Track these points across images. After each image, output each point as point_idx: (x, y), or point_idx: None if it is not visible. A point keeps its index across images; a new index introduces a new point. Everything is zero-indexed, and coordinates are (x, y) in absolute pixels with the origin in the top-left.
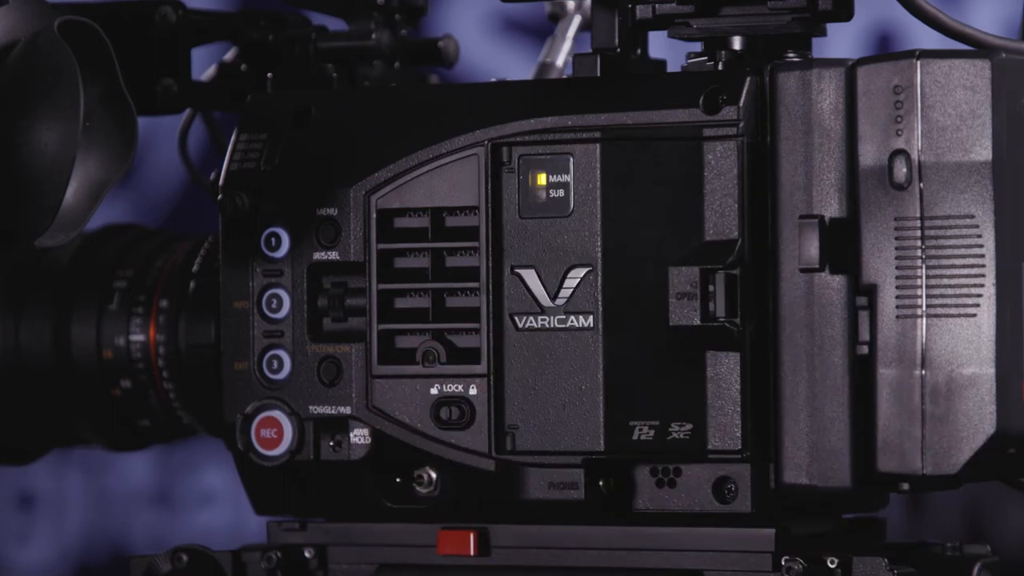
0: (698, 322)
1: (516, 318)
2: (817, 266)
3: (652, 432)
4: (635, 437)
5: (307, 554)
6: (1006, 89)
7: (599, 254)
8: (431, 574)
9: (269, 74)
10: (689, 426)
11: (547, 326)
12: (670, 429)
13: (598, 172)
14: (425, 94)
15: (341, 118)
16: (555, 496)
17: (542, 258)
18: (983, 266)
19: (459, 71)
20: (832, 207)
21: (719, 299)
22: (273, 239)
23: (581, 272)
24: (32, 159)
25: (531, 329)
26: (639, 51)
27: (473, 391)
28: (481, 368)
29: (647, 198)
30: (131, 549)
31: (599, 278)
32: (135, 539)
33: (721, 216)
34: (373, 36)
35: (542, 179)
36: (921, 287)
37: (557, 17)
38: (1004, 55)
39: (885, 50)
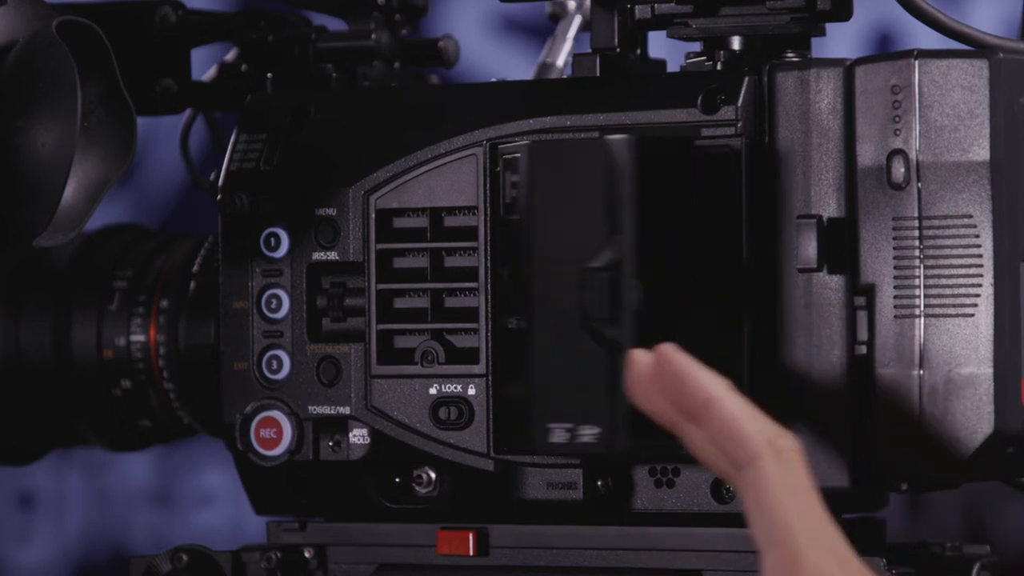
0: None
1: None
2: (815, 266)
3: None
4: None
5: (307, 554)
6: (1004, 89)
7: None
8: (430, 574)
9: (269, 74)
10: None
11: None
12: None
13: None
14: (424, 94)
15: (340, 118)
16: (554, 496)
17: None
18: (981, 266)
19: (459, 71)
20: (830, 207)
21: None
22: (272, 239)
23: None
24: (30, 159)
25: None
26: (638, 51)
27: (472, 391)
28: (480, 368)
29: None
30: (131, 549)
31: None
32: (135, 539)
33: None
34: (373, 36)
35: None
36: (919, 287)
37: (557, 17)
38: (1002, 55)
39: (884, 50)
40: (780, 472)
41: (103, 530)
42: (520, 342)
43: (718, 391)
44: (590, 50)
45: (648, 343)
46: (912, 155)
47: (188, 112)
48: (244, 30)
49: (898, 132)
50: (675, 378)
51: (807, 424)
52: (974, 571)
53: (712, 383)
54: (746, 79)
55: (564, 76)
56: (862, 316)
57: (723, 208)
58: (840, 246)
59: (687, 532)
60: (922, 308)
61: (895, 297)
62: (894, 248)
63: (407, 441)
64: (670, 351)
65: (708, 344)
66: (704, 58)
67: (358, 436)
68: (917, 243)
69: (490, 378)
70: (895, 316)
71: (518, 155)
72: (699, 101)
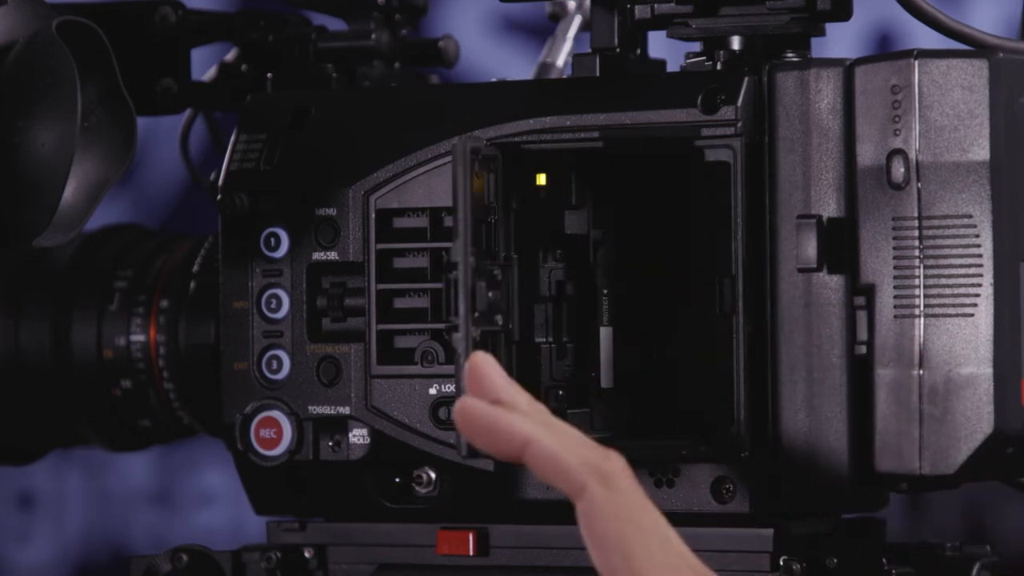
0: None
1: None
2: (815, 266)
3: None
4: None
5: (307, 554)
6: (1004, 89)
7: None
8: (430, 574)
9: (269, 74)
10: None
11: None
12: None
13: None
14: (425, 94)
15: (340, 118)
16: (554, 496)
17: None
18: (981, 266)
19: (459, 71)
20: (830, 207)
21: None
22: (272, 239)
23: None
24: (30, 159)
25: None
26: (638, 51)
27: None
28: None
29: None
30: (131, 549)
31: None
32: (135, 539)
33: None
34: (373, 36)
35: (541, 179)
36: (919, 287)
37: (557, 17)
38: (1002, 55)
39: (884, 50)
40: (609, 498)
41: (103, 530)
42: None
43: (530, 431)
44: (590, 50)
45: (647, 343)
46: (912, 155)
47: (188, 112)
48: (244, 30)
49: (898, 132)
50: (486, 429)
51: (807, 424)
52: (974, 571)
53: (522, 424)
54: (746, 79)
55: (564, 76)
56: (862, 316)
57: (723, 208)
58: (840, 246)
59: (687, 532)
60: (922, 308)
61: (895, 297)
62: (894, 248)
63: (407, 441)
64: (471, 403)
65: (707, 344)
66: (704, 58)
67: (358, 436)
68: (917, 243)
69: None
70: (895, 316)
71: None
72: (699, 101)
